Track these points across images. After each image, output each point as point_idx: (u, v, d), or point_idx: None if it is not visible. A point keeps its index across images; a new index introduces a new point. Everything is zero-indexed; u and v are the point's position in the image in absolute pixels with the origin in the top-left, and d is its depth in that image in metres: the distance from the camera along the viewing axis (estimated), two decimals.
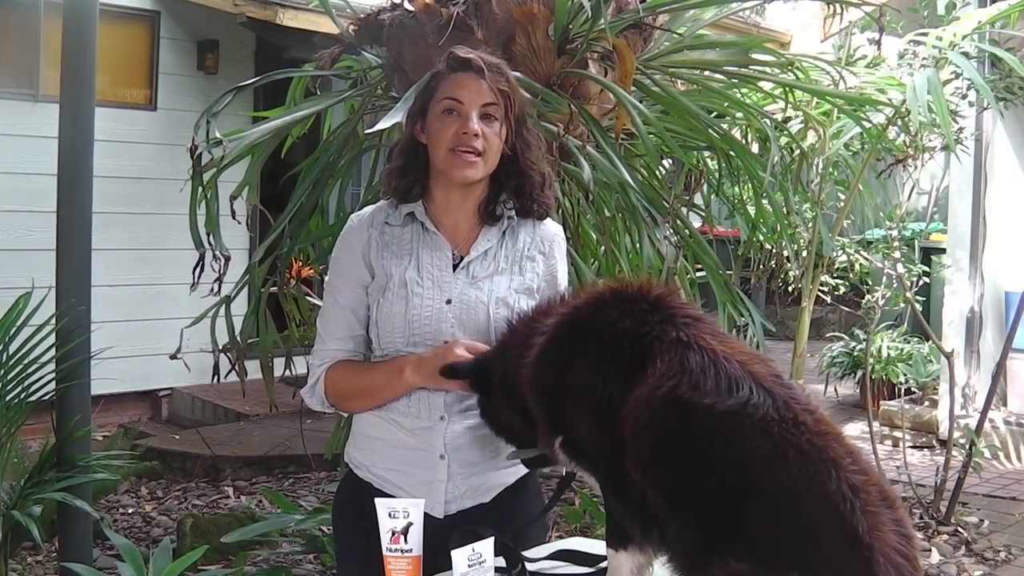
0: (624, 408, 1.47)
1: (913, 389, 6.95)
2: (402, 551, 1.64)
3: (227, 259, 3.21)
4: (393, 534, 1.64)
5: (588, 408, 1.54)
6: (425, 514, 1.81)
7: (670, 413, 1.43)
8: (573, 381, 1.57)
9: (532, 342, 1.65)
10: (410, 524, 1.64)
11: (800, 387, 1.52)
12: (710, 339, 1.49)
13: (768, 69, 3.74)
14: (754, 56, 3.54)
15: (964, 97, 4.93)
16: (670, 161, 3.93)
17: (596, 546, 1.89)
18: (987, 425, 5.48)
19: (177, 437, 6.00)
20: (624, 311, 1.55)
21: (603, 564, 1.79)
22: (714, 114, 3.62)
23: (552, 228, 2.00)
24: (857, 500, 1.34)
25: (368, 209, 1.98)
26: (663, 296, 1.57)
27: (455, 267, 1.89)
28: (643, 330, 1.51)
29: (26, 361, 3.51)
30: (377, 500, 1.66)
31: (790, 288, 5.98)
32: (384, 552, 1.64)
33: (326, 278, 2.02)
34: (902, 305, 6.06)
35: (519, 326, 1.77)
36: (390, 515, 1.64)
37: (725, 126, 3.69)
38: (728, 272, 3.62)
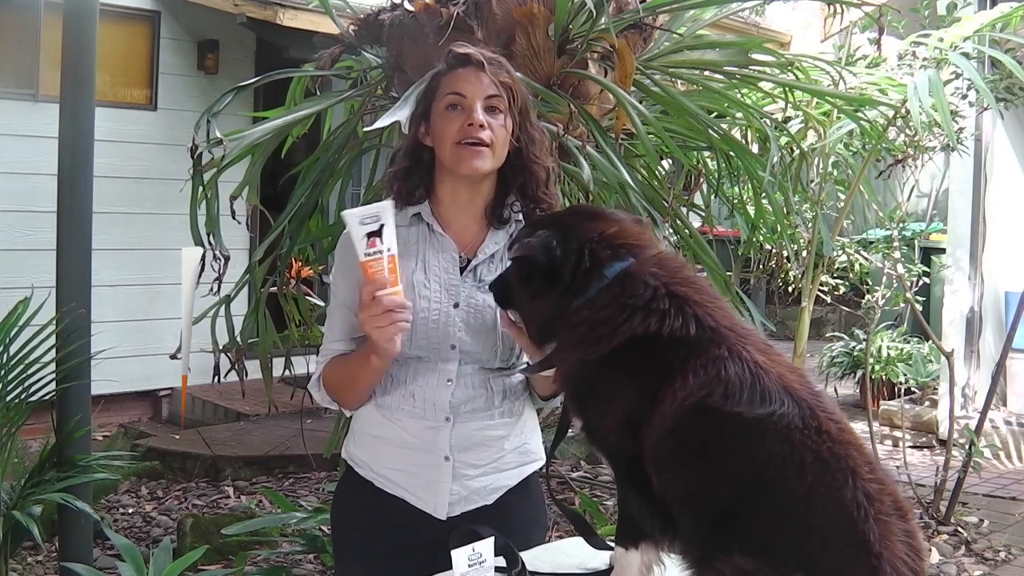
0: (650, 422, 1.48)
1: (913, 389, 6.96)
2: (379, 252, 1.65)
3: (227, 259, 3.20)
4: (368, 237, 1.65)
5: (618, 414, 1.54)
6: (427, 515, 1.83)
7: (694, 421, 1.44)
8: (609, 389, 1.56)
9: (611, 319, 1.54)
10: (383, 226, 1.65)
11: (829, 397, 1.52)
12: (755, 352, 1.49)
13: (768, 69, 3.73)
14: (754, 56, 3.53)
15: (964, 97, 4.93)
16: (670, 161, 3.93)
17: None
18: (987, 425, 5.48)
19: (177, 437, 6.00)
20: (689, 346, 1.50)
21: (597, 564, 1.79)
22: (714, 114, 3.61)
23: None
24: (871, 508, 1.35)
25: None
26: (730, 327, 1.53)
27: (462, 270, 1.87)
28: (694, 353, 1.49)
29: (27, 362, 3.51)
30: (347, 214, 1.67)
31: (790, 288, 5.98)
32: (362, 259, 1.66)
33: (330, 278, 1.99)
34: (902, 305, 6.07)
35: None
36: (367, 235, 1.65)
37: (725, 126, 3.68)
38: (728, 272, 3.61)
